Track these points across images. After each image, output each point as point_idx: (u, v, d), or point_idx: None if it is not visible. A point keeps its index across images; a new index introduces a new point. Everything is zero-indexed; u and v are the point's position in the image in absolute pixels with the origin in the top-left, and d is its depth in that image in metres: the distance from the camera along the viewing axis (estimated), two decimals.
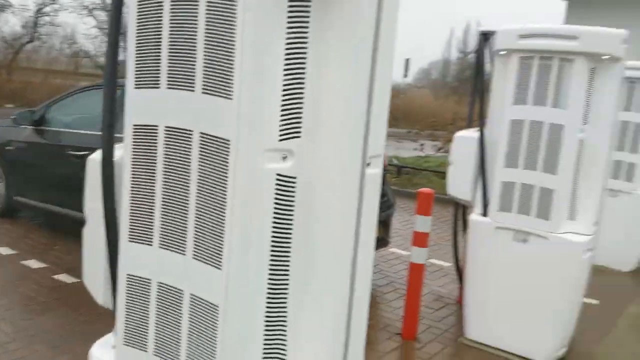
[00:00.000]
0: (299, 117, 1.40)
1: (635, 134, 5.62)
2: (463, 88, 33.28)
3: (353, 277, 1.55)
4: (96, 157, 1.68)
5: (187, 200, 1.45)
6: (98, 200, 1.63)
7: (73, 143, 5.13)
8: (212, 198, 1.40)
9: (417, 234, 3.74)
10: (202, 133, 1.40)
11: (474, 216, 3.78)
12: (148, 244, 1.54)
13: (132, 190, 1.56)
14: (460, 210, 4.39)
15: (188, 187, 1.45)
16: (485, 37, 3.92)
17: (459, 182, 3.87)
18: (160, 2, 1.43)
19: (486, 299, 3.72)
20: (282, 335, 1.49)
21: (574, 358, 3.71)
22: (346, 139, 1.43)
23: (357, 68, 1.42)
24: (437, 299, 4.64)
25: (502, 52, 3.65)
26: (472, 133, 3.85)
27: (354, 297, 1.57)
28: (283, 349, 1.50)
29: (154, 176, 1.51)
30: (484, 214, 3.73)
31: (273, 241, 1.43)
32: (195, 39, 1.38)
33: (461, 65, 39.30)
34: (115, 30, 1.54)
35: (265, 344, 1.48)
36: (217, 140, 1.38)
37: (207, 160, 1.40)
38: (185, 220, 1.46)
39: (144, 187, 1.53)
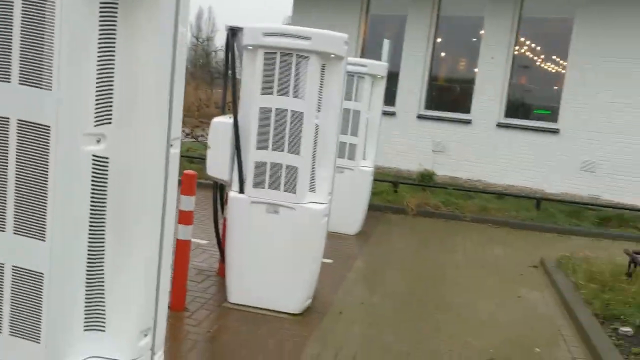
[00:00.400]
0: (110, 106, 1.63)
1: (354, 119, 6.74)
2: (200, 74, 33.75)
3: (161, 245, 1.82)
4: None
5: (6, 182, 1.57)
6: None
7: None
8: (34, 179, 1.55)
9: (182, 212, 4.05)
10: (19, 120, 1.53)
11: (232, 193, 4.22)
12: None
13: None
14: (218, 190, 4.81)
15: (6, 170, 1.56)
16: (233, 32, 4.34)
17: (217, 164, 4.24)
18: None
19: (245, 266, 4.21)
20: (101, 297, 1.71)
21: (318, 305, 4.46)
22: (153, 124, 1.70)
23: (161, 63, 1.69)
24: (199, 272, 5.02)
25: (249, 47, 4.14)
26: (227, 119, 4.28)
27: (162, 261, 1.84)
28: (102, 310, 1.72)
29: None
30: (241, 191, 4.19)
31: (91, 213, 1.64)
32: (11, 35, 1.50)
33: (195, 52, 39.67)
34: None
35: (86, 306, 1.68)
36: (37, 127, 1.53)
37: (27, 144, 1.54)
38: (4, 200, 1.57)
39: None
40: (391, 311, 4.62)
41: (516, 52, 10.84)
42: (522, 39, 10.84)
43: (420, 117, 11.48)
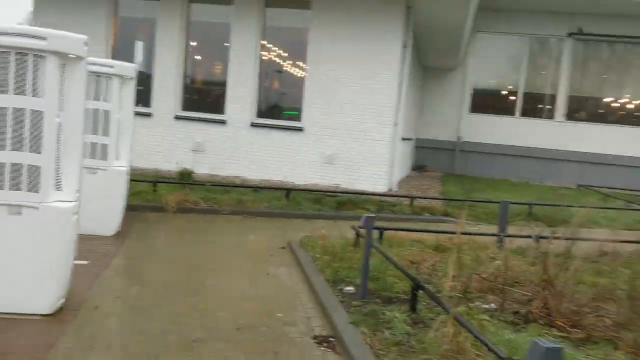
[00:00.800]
0: None
1: (105, 119, 6.72)
2: None
3: None
4: None
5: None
6: None
7: None
8: None
9: None
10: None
11: None
12: None
13: None
14: None
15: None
16: None
17: None
18: None
19: None
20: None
21: (71, 304, 4.47)
22: None
23: None
24: None
25: None
26: None
27: None
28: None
29: None
30: None
31: None
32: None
33: None
34: None
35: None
36: None
37: None
38: None
39: None
40: (148, 300, 4.85)
41: (265, 58, 11.75)
42: (270, 46, 11.79)
43: (177, 117, 11.73)
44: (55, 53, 4.03)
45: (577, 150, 17.99)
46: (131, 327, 4.21)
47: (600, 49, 18.96)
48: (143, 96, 11.15)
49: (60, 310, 4.32)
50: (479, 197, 11.38)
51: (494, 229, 7.25)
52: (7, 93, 3.98)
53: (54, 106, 4.08)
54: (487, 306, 4.75)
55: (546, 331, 4.27)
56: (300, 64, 11.73)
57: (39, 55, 3.99)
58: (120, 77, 6.76)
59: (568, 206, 9.69)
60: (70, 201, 4.25)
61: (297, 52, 11.77)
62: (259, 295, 5.21)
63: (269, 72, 12.00)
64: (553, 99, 18.97)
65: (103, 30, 11.86)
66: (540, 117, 19.11)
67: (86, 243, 5.54)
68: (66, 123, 4.21)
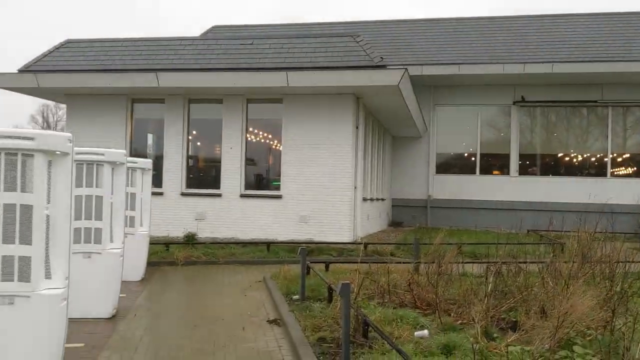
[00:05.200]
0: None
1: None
2: None
3: None
4: None
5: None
6: None
7: None
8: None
9: None
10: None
11: None
12: None
13: None
14: None
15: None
16: None
17: None
18: None
19: None
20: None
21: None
22: None
23: None
24: None
25: None
26: None
27: None
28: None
29: None
30: None
31: None
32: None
33: None
34: None
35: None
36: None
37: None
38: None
39: None
40: (178, 304, 7.70)
41: (252, 140, 14.97)
42: (255, 131, 15.05)
43: (183, 194, 14.84)
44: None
45: (530, 200, 20.82)
46: (169, 324, 7.04)
47: (542, 112, 22.25)
48: (155, 179, 14.28)
49: None
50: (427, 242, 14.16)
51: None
52: None
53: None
54: (379, 300, 7.54)
55: (410, 310, 7.03)
56: (278, 145, 14.92)
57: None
58: (142, 169, 9.80)
59: (492, 244, 12.43)
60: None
61: (275, 136, 15.00)
62: (238, 305, 8.05)
63: (255, 151, 15.20)
64: (507, 157, 22.04)
65: (123, 128, 15.18)
66: (497, 173, 22.18)
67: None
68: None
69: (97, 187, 6.88)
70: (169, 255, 11.81)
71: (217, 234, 14.36)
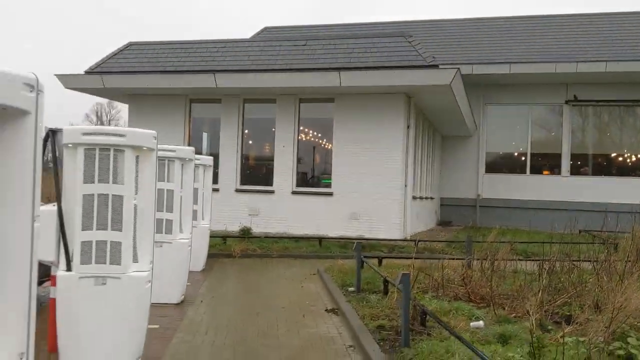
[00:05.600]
0: None
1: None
2: None
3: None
4: None
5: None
6: None
7: None
8: None
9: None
10: None
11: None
12: None
13: None
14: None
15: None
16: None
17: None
18: None
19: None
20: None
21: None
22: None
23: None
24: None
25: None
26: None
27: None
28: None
29: None
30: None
31: None
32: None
33: None
34: None
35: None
36: None
37: None
38: None
39: None
40: (237, 294, 8.15)
41: (303, 139, 15.38)
42: (306, 130, 15.45)
43: (237, 190, 15.37)
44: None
45: (581, 201, 20.50)
46: (233, 311, 7.49)
47: (594, 112, 21.87)
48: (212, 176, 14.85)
49: None
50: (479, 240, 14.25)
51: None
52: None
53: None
54: (434, 294, 7.78)
55: (464, 303, 7.25)
56: (329, 144, 15.27)
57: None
58: (204, 166, 10.30)
59: (544, 242, 12.44)
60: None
61: (325, 135, 15.36)
62: (295, 295, 8.43)
63: (306, 150, 15.61)
64: (558, 157, 21.77)
65: (181, 127, 15.84)
66: (548, 173, 21.94)
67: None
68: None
69: (168, 181, 7.27)
70: (226, 248, 12.33)
71: (270, 229, 14.82)
